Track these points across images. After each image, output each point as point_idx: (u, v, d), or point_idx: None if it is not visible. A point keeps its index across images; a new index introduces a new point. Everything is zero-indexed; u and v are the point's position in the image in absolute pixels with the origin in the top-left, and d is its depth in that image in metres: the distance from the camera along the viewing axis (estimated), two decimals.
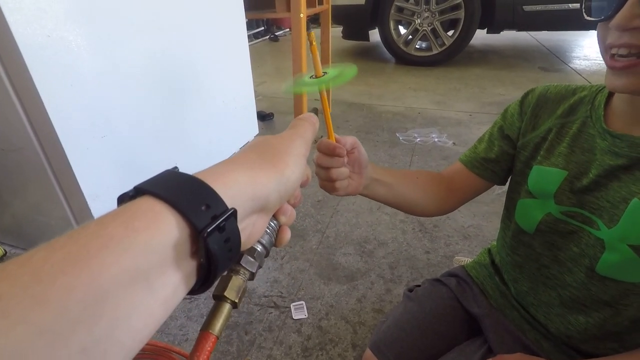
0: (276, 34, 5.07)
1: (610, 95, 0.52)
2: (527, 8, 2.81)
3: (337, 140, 0.53)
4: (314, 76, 0.46)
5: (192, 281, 0.21)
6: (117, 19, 0.94)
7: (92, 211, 0.92)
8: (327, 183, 0.53)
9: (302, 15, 1.47)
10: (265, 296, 0.98)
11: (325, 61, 2.13)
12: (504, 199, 0.64)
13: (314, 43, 0.48)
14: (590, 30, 3.96)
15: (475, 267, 0.73)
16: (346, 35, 3.54)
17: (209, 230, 0.19)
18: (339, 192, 0.54)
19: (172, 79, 1.18)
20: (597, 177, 0.49)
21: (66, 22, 0.81)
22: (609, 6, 0.42)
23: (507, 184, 0.67)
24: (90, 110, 0.89)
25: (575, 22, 2.89)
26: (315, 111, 0.47)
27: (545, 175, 0.56)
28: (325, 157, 0.51)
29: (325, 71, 0.47)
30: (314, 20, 5.29)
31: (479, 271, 0.72)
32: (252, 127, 1.70)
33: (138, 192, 0.20)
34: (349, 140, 0.54)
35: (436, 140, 1.79)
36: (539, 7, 2.79)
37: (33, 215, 1.05)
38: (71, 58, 0.84)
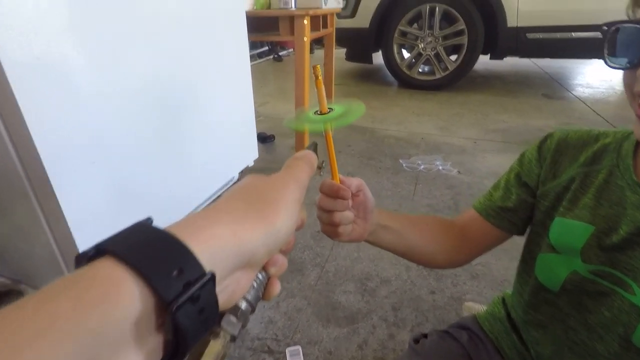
0: (280, 54, 5.11)
1: (639, 144, 0.48)
2: (530, 36, 2.82)
3: (341, 182, 0.49)
4: (318, 112, 0.43)
5: (157, 359, 0.17)
6: (112, 38, 0.90)
7: (75, 240, 0.86)
8: (330, 227, 0.49)
9: (305, 39, 1.45)
10: (259, 339, 0.90)
11: (328, 81, 2.11)
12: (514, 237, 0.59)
13: (319, 77, 0.44)
14: (593, 59, 3.98)
15: (489, 319, 0.67)
16: (350, 57, 3.55)
17: (180, 301, 0.16)
18: (341, 237, 0.50)
19: (169, 100, 1.13)
20: (629, 234, 0.44)
21: (58, 42, 0.78)
22: (634, 53, 0.39)
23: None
24: (79, 134, 0.84)
25: (577, 51, 2.90)
26: (314, 146, 0.43)
27: (570, 229, 0.51)
28: (328, 199, 0.48)
29: (331, 107, 0.43)
30: (317, 41, 5.36)
31: (493, 325, 0.66)
32: (252, 150, 1.65)
33: (99, 251, 0.17)
34: (355, 182, 0.50)
35: (440, 168, 1.75)
36: (542, 35, 2.80)
37: (15, 242, 0.99)
38: (61, 79, 0.79)
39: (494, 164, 1.80)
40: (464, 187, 1.60)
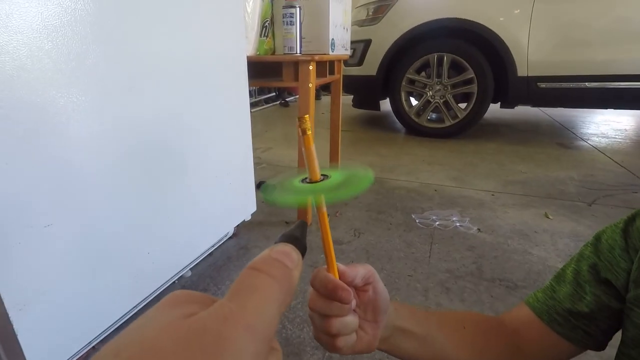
0: (287, 99, 5.15)
1: None
2: (542, 85, 2.76)
3: (341, 275, 0.36)
4: (307, 180, 0.31)
5: None
6: (95, 81, 0.79)
7: (14, 325, 0.69)
8: (325, 337, 0.36)
9: (310, 85, 1.36)
10: None
11: (335, 128, 2.00)
12: None
13: (308, 133, 0.30)
14: (608, 109, 3.92)
15: None
16: (357, 104, 3.52)
17: None
18: (342, 350, 0.36)
19: (153, 150, 1.01)
20: None
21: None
22: None
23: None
24: (31, 190, 0.70)
25: (591, 101, 2.82)
26: (300, 230, 0.27)
27: None
28: (321, 299, 0.34)
29: (326, 174, 0.31)
30: (325, 88, 5.42)
31: None
32: (249, 202, 1.50)
33: None
34: (361, 271, 0.37)
35: (458, 225, 1.57)
36: (554, 85, 2.73)
37: None
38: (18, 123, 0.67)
39: (518, 221, 1.62)
40: (487, 248, 1.41)
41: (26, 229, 0.69)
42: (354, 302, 0.34)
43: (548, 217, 1.66)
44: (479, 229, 1.55)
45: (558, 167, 2.39)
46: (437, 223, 1.59)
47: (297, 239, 0.25)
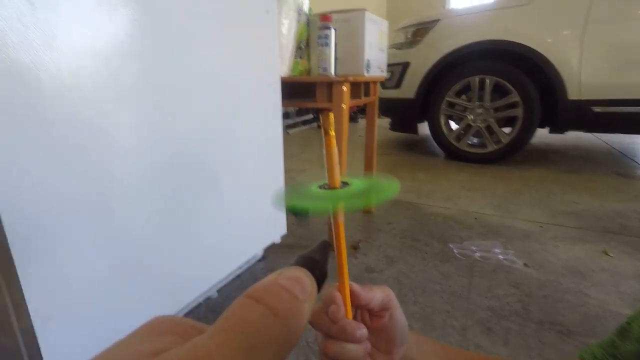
0: None
1: None
2: (596, 109, 2.57)
3: (355, 296, 0.32)
4: (326, 186, 0.27)
5: None
6: (123, 99, 0.81)
7: (40, 341, 0.69)
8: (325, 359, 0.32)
9: (344, 106, 1.34)
10: None
11: (370, 151, 1.96)
12: None
13: (330, 132, 0.27)
14: None
15: None
16: (394, 127, 3.46)
17: None
18: None
19: (188, 166, 1.01)
20: None
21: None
22: None
23: None
24: (63, 208, 0.72)
25: None
26: (320, 252, 0.24)
27: None
28: (322, 315, 0.31)
29: (346, 181, 0.28)
30: (362, 111, 5.42)
31: None
32: (280, 224, 1.48)
33: None
34: (378, 295, 0.33)
35: (501, 258, 1.44)
36: (611, 109, 2.53)
37: None
38: (39, 133, 0.69)
39: (570, 257, 1.47)
40: (535, 285, 1.28)
41: (57, 239, 0.70)
42: (363, 331, 0.30)
43: (608, 255, 1.48)
44: (525, 264, 1.41)
45: (617, 198, 2.17)
46: (478, 254, 1.47)
47: (317, 262, 0.21)
